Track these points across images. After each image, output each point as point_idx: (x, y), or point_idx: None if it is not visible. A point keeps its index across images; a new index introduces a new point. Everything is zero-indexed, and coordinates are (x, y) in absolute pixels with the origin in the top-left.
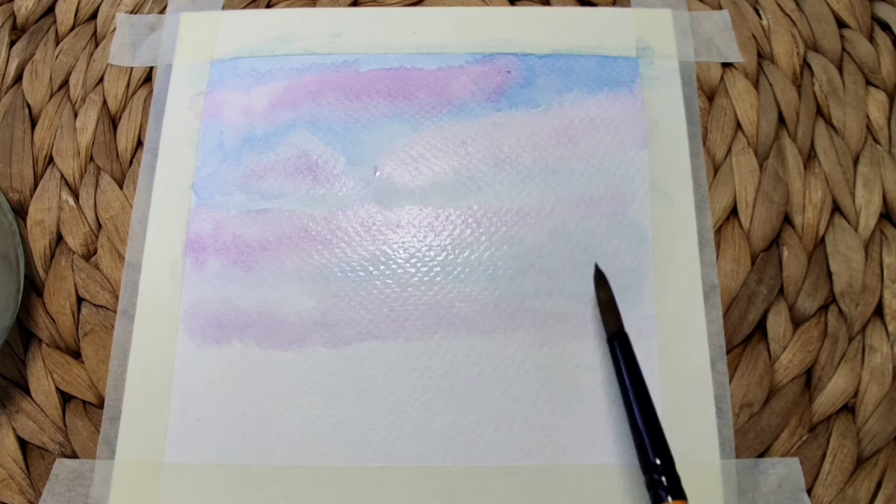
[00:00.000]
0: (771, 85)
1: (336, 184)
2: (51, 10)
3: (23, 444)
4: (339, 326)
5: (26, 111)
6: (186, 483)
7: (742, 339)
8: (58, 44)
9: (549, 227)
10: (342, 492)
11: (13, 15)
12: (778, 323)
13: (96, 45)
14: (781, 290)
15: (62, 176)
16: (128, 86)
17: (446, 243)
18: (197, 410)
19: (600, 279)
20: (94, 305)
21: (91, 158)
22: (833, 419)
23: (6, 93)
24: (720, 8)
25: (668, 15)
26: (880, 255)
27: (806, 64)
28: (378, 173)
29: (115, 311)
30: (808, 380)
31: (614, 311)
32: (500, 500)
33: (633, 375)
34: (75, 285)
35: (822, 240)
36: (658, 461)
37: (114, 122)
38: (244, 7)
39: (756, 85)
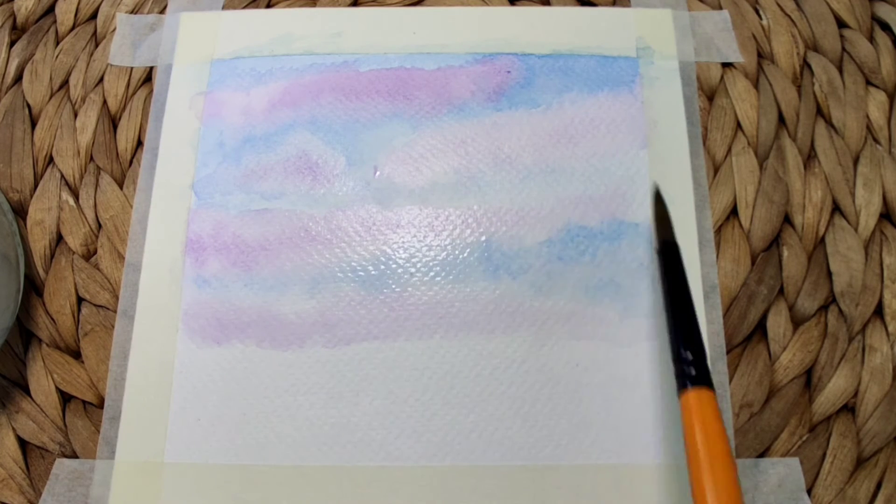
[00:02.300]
0: (771, 85)
1: (336, 184)
2: (51, 10)
3: (23, 444)
4: (339, 326)
5: (26, 111)
6: (186, 483)
7: (742, 339)
8: (58, 44)
9: (549, 227)
10: (342, 492)
11: (13, 15)
12: (778, 323)
13: (96, 45)
14: (781, 290)
15: (62, 176)
16: (128, 86)
17: (446, 243)
18: (197, 410)
19: (658, 196)
20: (94, 305)
21: (91, 158)
22: (833, 419)
23: (6, 93)
24: (720, 8)
25: (668, 15)
26: (880, 255)
27: (806, 64)
28: (378, 173)
29: (115, 311)
30: (808, 380)
31: (668, 223)
32: (500, 500)
33: (680, 280)
34: (75, 285)
35: (822, 240)
36: (690, 355)
37: (114, 122)
38: (244, 7)
39: (756, 85)
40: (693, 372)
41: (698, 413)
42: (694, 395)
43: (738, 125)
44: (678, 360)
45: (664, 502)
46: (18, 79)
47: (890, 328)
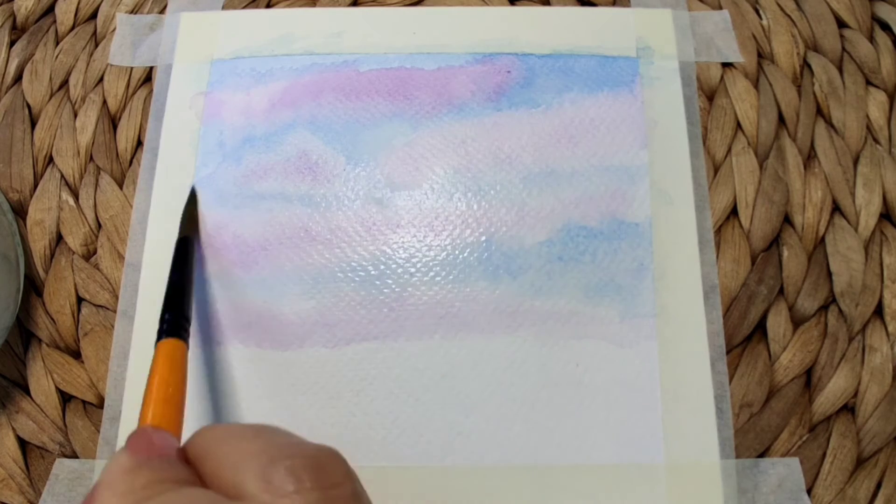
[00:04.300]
0: (771, 85)
1: (336, 184)
2: (51, 10)
3: (23, 444)
4: (339, 326)
5: (26, 111)
6: None
7: (742, 339)
8: (58, 44)
9: (549, 227)
10: None
11: (13, 15)
12: (778, 323)
13: (96, 45)
14: (781, 290)
15: (62, 176)
16: (128, 86)
17: (446, 243)
18: (197, 410)
19: (191, 195)
20: (94, 305)
21: (91, 158)
22: (833, 419)
23: (6, 93)
24: (720, 8)
25: (668, 15)
26: (880, 255)
27: (806, 64)
28: (378, 173)
29: (115, 311)
30: (808, 380)
31: (194, 222)
32: (500, 500)
33: (184, 267)
34: (75, 285)
35: (822, 240)
36: (168, 316)
37: (114, 122)
38: (244, 7)
39: (756, 85)
40: (167, 328)
41: (162, 356)
42: (163, 344)
43: (738, 125)
44: (161, 319)
45: (664, 502)
46: (18, 79)
47: (890, 328)
